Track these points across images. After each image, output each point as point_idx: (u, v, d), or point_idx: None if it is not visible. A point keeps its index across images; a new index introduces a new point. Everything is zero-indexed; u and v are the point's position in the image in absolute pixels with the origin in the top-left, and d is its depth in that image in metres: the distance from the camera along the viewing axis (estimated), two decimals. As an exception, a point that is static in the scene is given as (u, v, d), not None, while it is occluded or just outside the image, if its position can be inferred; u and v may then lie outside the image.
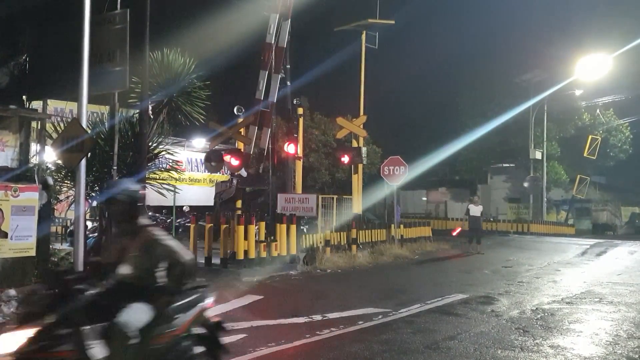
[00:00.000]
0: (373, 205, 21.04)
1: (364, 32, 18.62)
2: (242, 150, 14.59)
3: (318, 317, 8.19)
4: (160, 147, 11.68)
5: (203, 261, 13.05)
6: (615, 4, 34.41)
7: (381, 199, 20.39)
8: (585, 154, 34.63)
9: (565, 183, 37.04)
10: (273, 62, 14.15)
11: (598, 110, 36.72)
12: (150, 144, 11.09)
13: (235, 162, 13.41)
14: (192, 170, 19.87)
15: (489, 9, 47.55)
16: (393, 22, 19.20)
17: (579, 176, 35.52)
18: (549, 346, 6.83)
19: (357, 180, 17.67)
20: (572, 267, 15.54)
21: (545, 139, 34.75)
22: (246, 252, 12.57)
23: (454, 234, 20.72)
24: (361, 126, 17.41)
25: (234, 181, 13.56)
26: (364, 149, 16.99)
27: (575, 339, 7.22)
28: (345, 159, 16.16)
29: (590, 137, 34.99)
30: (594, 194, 39.35)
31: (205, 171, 18.98)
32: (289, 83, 15.10)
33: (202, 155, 17.53)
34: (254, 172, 14.04)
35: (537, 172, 34.93)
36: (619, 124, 37.37)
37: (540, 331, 7.60)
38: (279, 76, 14.23)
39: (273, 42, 14.06)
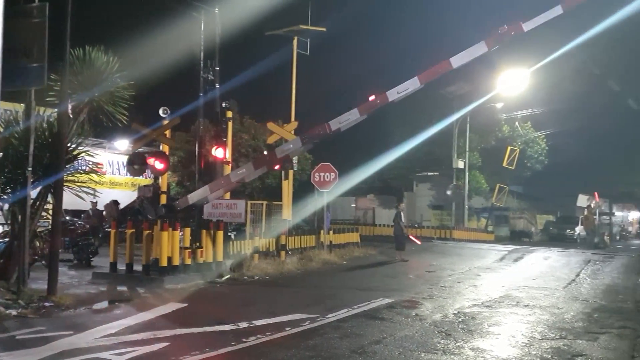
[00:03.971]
0: (303, 211, 21.04)
1: (296, 37, 18.63)
2: (167, 153, 14.18)
3: (244, 325, 8.04)
4: (80, 148, 11.19)
5: (124, 268, 12.57)
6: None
7: (311, 206, 20.43)
8: (504, 164, 36.20)
9: (486, 192, 38.56)
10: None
11: (517, 123, 38.55)
12: (69, 144, 10.61)
13: (159, 165, 12.98)
14: (113, 173, 19.17)
15: (416, 22, 49.04)
16: (324, 29, 19.30)
17: (498, 185, 37.07)
18: (470, 349, 7.02)
19: (287, 187, 17.60)
20: (491, 272, 16.12)
21: (467, 149, 36.03)
22: (170, 259, 12.19)
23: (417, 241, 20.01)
24: (292, 132, 17.35)
25: (150, 216, 12.87)
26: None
27: (494, 341, 7.46)
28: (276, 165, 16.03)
29: (509, 148, 36.65)
30: (512, 202, 41.19)
31: (127, 174, 18.36)
32: (217, 85, 14.85)
33: (125, 158, 16.95)
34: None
35: (459, 180, 36.14)
36: (536, 136, 39.41)
37: (462, 334, 7.80)
38: None
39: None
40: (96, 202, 15.49)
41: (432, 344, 7.17)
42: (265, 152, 13.23)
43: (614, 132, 39.35)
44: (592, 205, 31.56)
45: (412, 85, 11.68)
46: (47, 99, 11.39)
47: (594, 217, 30.54)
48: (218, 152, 14.38)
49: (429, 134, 33.46)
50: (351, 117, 11.78)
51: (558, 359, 6.63)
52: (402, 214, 19.05)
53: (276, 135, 17.29)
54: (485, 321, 8.77)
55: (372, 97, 12.18)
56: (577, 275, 15.34)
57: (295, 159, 16.78)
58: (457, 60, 11.97)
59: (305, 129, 19.78)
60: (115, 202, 13.48)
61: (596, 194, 34.19)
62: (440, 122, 33.59)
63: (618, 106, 38.80)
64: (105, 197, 16.80)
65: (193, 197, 12.51)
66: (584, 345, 7.30)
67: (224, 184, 12.55)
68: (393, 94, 11.76)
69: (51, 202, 10.32)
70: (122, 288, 11.51)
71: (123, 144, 18.98)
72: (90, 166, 11.51)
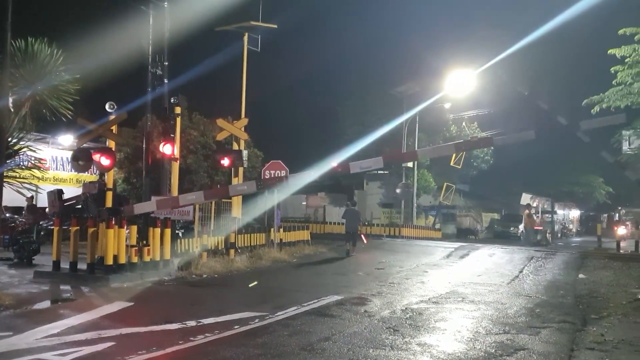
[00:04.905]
0: (253, 209, 20.97)
1: (246, 34, 18.50)
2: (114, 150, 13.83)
3: (192, 323, 7.96)
4: (22, 143, 10.85)
5: (68, 266, 12.20)
6: (478, 25, 37.39)
7: (261, 203, 20.36)
8: (451, 164, 37.04)
9: (434, 190, 39.37)
10: None
11: (464, 123, 39.53)
12: (9, 139, 10.25)
13: (105, 161, 12.64)
14: (57, 169, 18.52)
15: (369, 22, 49.50)
16: (275, 26, 19.23)
17: (445, 184, 37.92)
18: (417, 344, 7.16)
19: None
20: (438, 268, 16.47)
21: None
22: (116, 257, 11.93)
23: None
24: (242, 129, 17.25)
25: (92, 214, 12.60)
26: (245, 152, 16.85)
27: (440, 337, 7.63)
28: (226, 161, 15.87)
29: (456, 147, 37.51)
30: (459, 200, 42.18)
31: (72, 170, 17.81)
32: (166, 81, 14.56)
33: (69, 154, 16.43)
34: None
35: (408, 179, 36.77)
36: (482, 137, 40.48)
37: (409, 330, 7.95)
38: None
39: None
40: (32, 197, 14.85)
41: (380, 340, 7.29)
42: (218, 185, 13.58)
43: (555, 134, 40.82)
44: (533, 204, 32.73)
45: (375, 164, 12.40)
46: (-14, 92, 10.95)
47: (537, 215, 31.64)
48: (166, 149, 14.12)
49: (380, 133, 33.93)
50: (309, 178, 12.33)
51: (502, 353, 6.82)
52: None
53: (226, 132, 17.14)
54: (432, 317, 8.96)
55: (334, 164, 12.69)
56: (521, 271, 15.81)
57: (245, 156, 16.66)
58: (423, 154, 13.07)
59: (254, 128, 19.84)
60: (59, 192, 12.94)
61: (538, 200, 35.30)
62: (390, 122, 34.11)
63: (558, 108, 40.32)
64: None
65: (139, 209, 12.38)
66: (526, 339, 7.54)
67: (171, 204, 12.59)
68: (355, 167, 12.31)
69: (-11, 198, 9.92)
70: (66, 287, 11.18)
71: (68, 140, 18.35)
72: (33, 162, 11.15)
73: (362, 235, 19.73)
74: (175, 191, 14.97)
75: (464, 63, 32.75)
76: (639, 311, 10.01)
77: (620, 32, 16.63)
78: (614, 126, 20.55)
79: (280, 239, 18.89)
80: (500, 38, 31.78)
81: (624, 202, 49.00)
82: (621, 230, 26.86)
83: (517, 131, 39.27)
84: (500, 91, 35.78)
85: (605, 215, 51.24)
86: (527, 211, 30.99)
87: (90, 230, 12.05)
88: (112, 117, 13.58)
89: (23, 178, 10.93)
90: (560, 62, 37.37)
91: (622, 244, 25.38)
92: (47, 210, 15.09)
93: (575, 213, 52.40)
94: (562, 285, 13.37)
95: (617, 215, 43.75)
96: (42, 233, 15.68)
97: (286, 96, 44.16)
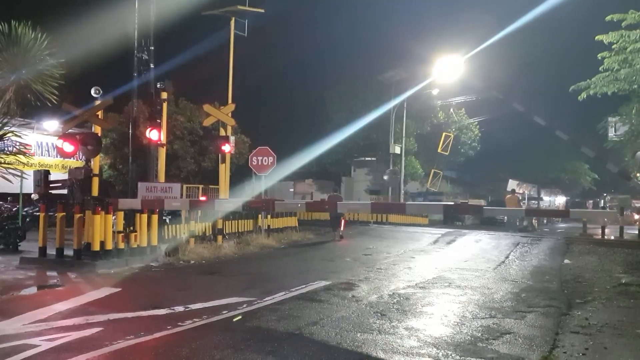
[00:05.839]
0: (241, 195, 20.97)
1: (233, 18, 18.34)
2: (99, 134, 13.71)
3: (180, 309, 7.97)
4: (6, 128, 10.70)
5: (54, 252, 12.15)
6: (465, 12, 37.38)
7: (249, 190, 20.35)
8: (439, 150, 37.19)
9: (421, 177, 39.52)
10: None
11: (452, 110, 39.61)
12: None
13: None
14: (42, 155, 18.34)
15: (357, 8, 49.25)
16: (263, 10, 19.06)
17: (432, 170, 38.10)
18: (404, 328, 7.22)
19: (224, 170, 17.42)
20: (425, 254, 16.56)
21: (404, 135, 36.77)
22: (102, 243, 11.89)
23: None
24: (229, 114, 17.18)
25: (77, 200, 12.48)
26: (232, 138, 16.79)
27: (427, 321, 7.70)
28: (227, 147, 15.89)
29: (443, 134, 37.65)
30: (446, 187, 42.41)
31: (57, 156, 17.65)
32: (152, 65, 14.42)
33: (54, 139, 16.26)
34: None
35: (396, 166, 36.87)
36: (470, 123, 40.65)
37: (397, 314, 8.02)
38: None
39: None
40: None
41: (367, 324, 7.34)
42: (203, 198, 13.91)
43: (542, 120, 41.16)
44: (520, 190, 32.93)
45: (362, 208, 13.21)
46: (-32, 76, 10.80)
47: (523, 201, 31.83)
48: (152, 134, 14.02)
49: (367, 119, 33.96)
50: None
51: (488, 337, 6.88)
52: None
53: (212, 118, 17.06)
54: (419, 302, 9.03)
55: (322, 199, 13.45)
56: (507, 257, 15.90)
57: (232, 142, 16.61)
58: (411, 208, 14.86)
59: (241, 113, 19.80)
60: (46, 172, 12.80)
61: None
62: (377, 108, 34.11)
63: (545, 95, 40.56)
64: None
65: (124, 204, 12.41)
66: (512, 323, 7.62)
67: (156, 205, 12.76)
68: (343, 207, 13.00)
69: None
70: (52, 273, 11.13)
71: (53, 125, 18.16)
72: (18, 147, 11.04)
73: (343, 222, 20.04)
74: (162, 177, 14.90)
75: (452, 49, 32.75)
76: (623, 295, 10.13)
77: (608, 18, 16.63)
78: (600, 114, 20.71)
79: (268, 225, 18.92)
80: (488, 24, 31.83)
81: (609, 189, 49.62)
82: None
83: (505, 118, 39.60)
84: (488, 77, 35.90)
85: (591, 201, 51.85)
86: (509, 196, 31.22)
87: (77, 216, 11.98)
88: (98, 102, 13.45)
89: (8, 164, 10.78)
90: (547, 48, 37.59)
91: (606, 230, 25.64)
92: (32, 196, 14.98)
93: (561, 199, 52.98)
94: (547, 270, 13.49)
95: (602, 201, 44.27)
96: (27, 219, 15.58)
97: (273, 82, 44.02)
